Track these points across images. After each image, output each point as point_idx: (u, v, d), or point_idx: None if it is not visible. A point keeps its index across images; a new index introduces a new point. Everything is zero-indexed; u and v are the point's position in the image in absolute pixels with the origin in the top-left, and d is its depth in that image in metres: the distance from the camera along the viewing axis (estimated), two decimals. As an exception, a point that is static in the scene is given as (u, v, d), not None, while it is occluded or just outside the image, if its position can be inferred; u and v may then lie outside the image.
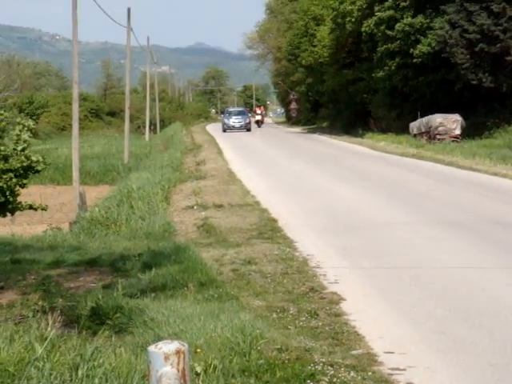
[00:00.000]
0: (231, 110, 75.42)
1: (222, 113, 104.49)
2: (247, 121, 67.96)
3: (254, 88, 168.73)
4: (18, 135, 10.12)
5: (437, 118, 37.31)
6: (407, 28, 41.23)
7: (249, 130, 66.34)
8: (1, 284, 10.91)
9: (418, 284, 10.80)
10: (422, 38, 40.55)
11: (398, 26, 41.72)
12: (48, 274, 11.66)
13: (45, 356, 6.25)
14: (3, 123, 10.14)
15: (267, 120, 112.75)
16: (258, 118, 79.10)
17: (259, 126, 75.65)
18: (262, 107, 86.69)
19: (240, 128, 66.32)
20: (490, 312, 9.25)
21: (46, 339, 6.51)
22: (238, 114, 70.12)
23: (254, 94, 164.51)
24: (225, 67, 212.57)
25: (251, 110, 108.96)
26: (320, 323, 8.94)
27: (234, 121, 67.61)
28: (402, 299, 10.01)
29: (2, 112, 10.19)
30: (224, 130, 66.09)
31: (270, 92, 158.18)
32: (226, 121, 68.21)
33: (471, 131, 37.28)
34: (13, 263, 12.74)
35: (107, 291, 9.70)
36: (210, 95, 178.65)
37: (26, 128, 10.21)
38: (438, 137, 36.85)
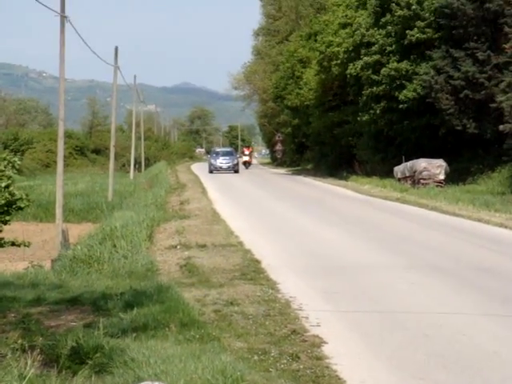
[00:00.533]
0: (218, 150, 72.49)
1: (208, 152, 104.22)
2: (235, 162, 64.50)
3: (240, 128, 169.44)
4: (2, 171, 10.12)
5: (421, 163, 37.53)
6: (393, 73, 41.61)
7: (236, 171, 62.91)
8: (-20, 321, 10.81)
9: (399, 328, 10.80)
10: (407, 83, 40.93)
11: (383, 71, 42.11)
12: (28, 312, 11.57)
13: (23, 395, 6.18)
14: (-14, 161, 10.14)
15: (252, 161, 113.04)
16: (246, 158, 75.89)
17: (246, 168, 72.47)
18: (250, 148, 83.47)
19: (227, 169, 62.92)
20: (471, 358, 9.25)
21: (24, 378, 6.45)
22: (226, 154, 66.48)
23: (240, 135, 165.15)
24: (211, 107, 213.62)
25: (237, 151, 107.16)
26: (301, 366, 8.92)
27: (222, 162, 64.11)
28: (383, 343, 10.00)
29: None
30: (210, 171, 62.74)
31: (256, 133, 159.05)
32: (212, 161, 64.66)
33: (455, 176, 37.51)
34: (-7, 300, 12.62)
35: (88, 330, 9.64)
36: (195, 135, 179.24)
37: (11, 164, 10.20)
38: (422, 181, 37.04)
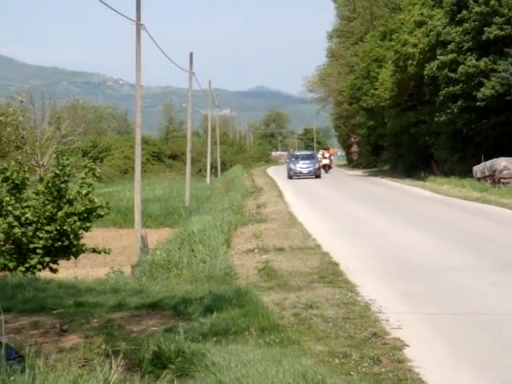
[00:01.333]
0: (298, 153, 65.04)
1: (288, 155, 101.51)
2: (316, 166, 59.29)
3: (315, 131, 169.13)
4: (83, 178, 10.28)
5: (501, 162, 36.88)
6: (470, 70, 40.96)
7: (318, 176, 57.91)
8: (65, 327, 11.00)
9: (483, 331, 10.60)
10: (485, 80, 40.24)
11: (461, 69, 41.50)
12: (110, 318, 11.72)
13: (108, 400, 6.25)
14: (69, 168, 10.31)
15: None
16: (326, 162, 69.69)
17: (326, 172, 67.18)
18: (329, 150, 77.57)
19: (308, 174, 57.87)
20: (559, 360, 9.02)
21: (109, 383, 6.52)
22: (307, 158, 60.86)
23: (315, 137, 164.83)
24: (286, 110, 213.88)
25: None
26: (383, 369, 8.82)
27: (302, 166, 58.58)
28: (467, 346, 9.82)
29: (69, 157, 10.37)
30: (290, 177, 57.58)
31: (331, 135, 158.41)
32: (291, 166, 58.91)
33: (536, 174, 36.71)
34: (76, 306, 12.83)
35: (169, 335, 9.70)
36: (270, 138, 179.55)
37: (91, 172, 10.36)
38: (502, 180, 36.40)
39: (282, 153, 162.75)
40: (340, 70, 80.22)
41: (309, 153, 66.46)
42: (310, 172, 57.99)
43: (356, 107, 66.35)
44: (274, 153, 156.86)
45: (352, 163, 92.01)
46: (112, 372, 6.86)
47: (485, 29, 40.12)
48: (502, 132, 41.45)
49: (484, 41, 40.58)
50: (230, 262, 18.06)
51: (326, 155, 71.30)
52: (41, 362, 7.29)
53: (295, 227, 24.80)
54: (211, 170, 72.56)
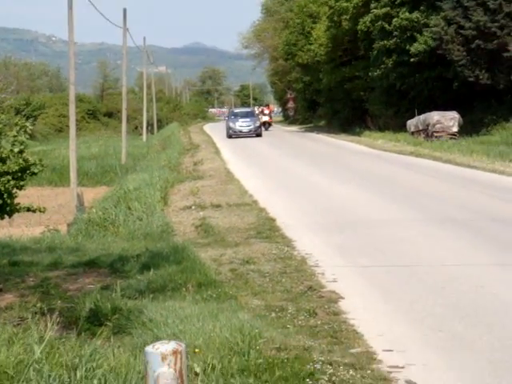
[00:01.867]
0: (237, 111, 61.83)
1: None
2: (257, 124, 55.65)
3: (251, 87, 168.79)
4: (15, 136, 10.12)
5: (434, 116, 37.33)
6: (404, 23, 41.22)
7: (259, 135, 54.49)
8: (-1, 286, 10.91)
9: (416, 281, 10.81)
10: (418, 35, 40.55)
11: (394, 21, 41.75)
12: (46, 276, 11.66)
13: (43, 358, 6.25)
14: (0, 126, 10.14)
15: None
16: (266, 119, 65.75)
17: (266, 129, 63.14)
18: (270, 106, 73.81)
19: (249, 133, 54.24)
20: (489, 309, 9.26)
21: (44, 341, 6.51)
22: (246, 115, 57.14)
23: (252, 94, 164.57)
24: (222, 67, 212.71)
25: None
26: (319, 322, 8.95)
27: (242, 124, 54.87)
28: (401, 297, 10.02)
29: (1, 115, 10.19)
30: (229, 136, 54.43)
31: (267, 91, 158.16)
32: (231, 124, 55.37)
33: (469, 128, 37.29)
34: (11, 265, 12.73)
35: (106, 292, 9.70)
36: (207, 95, 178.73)
37: (23, 129, 10.21)
38: (435, 134, 36.87)
39: (220, 109, 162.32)
40: (275, 26, 80.00)
41: (248, 110, 63.05)
42: (250, 131, 54.40)
43: (291, 63, 66.33)
44: (211, 110, 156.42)
45: (288, 119, 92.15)
46: (47, 330, 6.84)
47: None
48: (434, 86, 41.90)
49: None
50: (167, 219, 18.04)
51: (266, 112, 68.20)
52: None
53: (232, 184, 24.85)
54: (147, 127, 72.02)
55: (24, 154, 10.16)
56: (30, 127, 10.37)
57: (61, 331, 8.04)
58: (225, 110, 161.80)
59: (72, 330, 8.24)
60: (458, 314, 9.09)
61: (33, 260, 13.21)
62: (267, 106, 72.57)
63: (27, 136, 10.21)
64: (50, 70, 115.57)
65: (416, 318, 9.04)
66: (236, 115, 57.38)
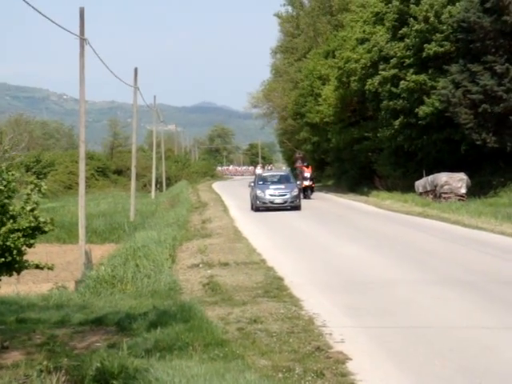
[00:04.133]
0: (267, 174, 45.72)
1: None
2: (294, 192, 39.89)
3: (260, 146, 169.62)
4: (28, 195, 10.20)
5: (442, 177, 37.42)
6: (411, 85, 41.57)
7: (297, 208, 39.34)
8: (6, 344, 10.88)
9: (425, 344, 10.75)
10: (425, 98, 40.86)
11: (402, 84, 42.11)
12: (53, 334, 11.63)
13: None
14: (13, 184, 10.22)
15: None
16: (306, 183, 48.80)
17: (307, 197, 47.52)
18: (309, 167, 51.08)
19: (283, 205, 39.25)
20: (498, 372, 9.19)
21: (50, 399, 6.49)
22: (280, 181, 41.83)
23: (260, 152, 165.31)
24: (230, 125, 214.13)
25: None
26: (326, 383, 8.89)
27: (273, 193, 39.74)
28: (409, 359, 9.96)
29: (14, 172, 10.28)
30: (256, 209, 39.52)
31: (276, 150, 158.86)
32: (258, 193, 39.93)
33: (477, 190, 37.35)
34: (18, 323, 12.71)
35: (113, 351, 9.67)
36: (215, 153, 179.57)
37: (37, 188, 10.29)
38: (443, 195, 36.91)
39: (229, 167, 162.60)
40: (284, 86, 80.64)
41: (282, 173, 46.10)
42: (285, 202, 39.25)
43: (300, 123, 66.74)
44: (219, 168, 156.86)
45: (296, 178, 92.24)
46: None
47: (425, 45, 40.80)
48: (442, 148, 42.07)
49: (424, 57, 41.24)
50: (174, 277, 18.03)
51: (307, 174, 49.36)
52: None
53: (240, 242, 24.85)
54: (156, 185, 72.30)
55: (35, 212, 10.22)
56: (45, 186, 10.45)
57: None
58: (231, 167, 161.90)
59: (78, 388, 8.20)
60: (466, 376, 9.02)
61: (40, 317, 13.19)
62: (307, 166, 50.91)
63: (40, 195, 10.29)
64: (63, 129, 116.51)
65: (424, 380, 8.97)
66: (265, 180, 41.84)
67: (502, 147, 37.10)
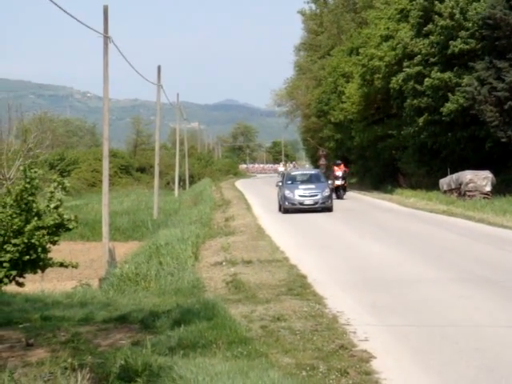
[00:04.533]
0: (296, 173, 42.55)
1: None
2: (326, 193, 37.01)
3: (283, 144, 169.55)
4: (51, 192, 10.24)
5: (467, 175, 37.22)
6: (436, 82, 41.34)
7: (329, 209, 36.61)
8: (31, 341, 10.93)
9: (449, 342, 10.68)
10: (450, 95, 40.63)
11: (426, 81, 41.89)
12: (78, 331, 11.67)
13: (74, 414, 6.23)
14: (37, 181, 10.27)
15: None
16: (339, 182, 45.48)
17: (340, 197, 44.73)
18: (342, 165, 47.45)
19: (313, 206, 36.55)
20: (523, 371, 9.11)
21: (75, 396, 6.50)
22: (310, 180, 39.20)
23: (283, 150, 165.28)
24: (253, 123, 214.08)
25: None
26: (350, 382, 8.86)
27: (303, 193, 37.04)
28: (433, 358, 9.90)
29: (37, 170, 10.33)
30: (285, 210, 36.67)
31: (299, 148, 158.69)
32: (287, 193, 37.16)
33: (502, 188, 37.11)
34: (43, 320, 12.76)
35: (136, 348, 9.69)
36: (238, 151, 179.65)
37: (60, 186, 10.33)
38: (468, 193, 36.71)
39: (253, 165, 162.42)
40: (307, 84, 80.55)
41: (313, 172, 42.66)
42: (315, 203, 36.50)
43: (324, 120, 66.63)
44: (242, 165, 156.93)
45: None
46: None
47: (450, 42, 40.56)
48: (467, 146, 41.84)
49: (449, 54, 41.00)
50: (197, 274, 18.04)
51: (339, 173, 45.90)
52: (6, 377, 7.25)
53: (263, 240, 24.84)
54: (179, 183, 72.42)
55: (59, 210, 10.26)
56: (68, 184, 10.49)
57: (91, 387, 8.03)
58: (255, 165, 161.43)
59: (102, 385, 8.22)
60: (491, 376, 8.96)
61: (64, 315, 13.24)
62: (339, 164, 47.56)
63: (64, 193, 10.33)
64: (86, 126, 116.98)
65: (449, 380, 8.92)
66: (294, 180, 39.17)
67: (527, 145, 36.83)
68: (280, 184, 39.02)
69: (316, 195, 36.64)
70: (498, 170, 38.64)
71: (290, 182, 38.42)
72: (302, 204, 36.53)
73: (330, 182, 40.48)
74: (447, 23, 40.92)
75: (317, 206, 36.27)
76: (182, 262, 19.74)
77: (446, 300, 13.85)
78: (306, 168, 58.18)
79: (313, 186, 37.32)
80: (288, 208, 36.45)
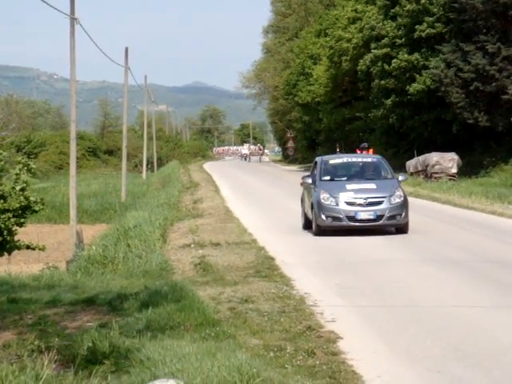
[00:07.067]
0: (337, 161, 23.88)
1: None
2: (397, 198, 21.17)
3: (252, 126, 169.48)
4: (17, 175, 10.17)
5: (433, 157, 37.47)
6: (403, 64, 41.53)
7: (402, 228, 21.11)
8: (-3, 323, 10.87)
9: (415, 322, 10.78)
10: (417, 76, 40.83)
11: (394, 63, 42.05)
12: (45, 314, 11.63)
13: (41, 396, 6.22)
14: (2, 163, 10.19)
15: (264, 158, 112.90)
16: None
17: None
18: (370, 149, 38.46)
19: (375, 222, 20.81)
20: (487, 351, 9.23)
21: (41, 379, 6.49)
22: (362, 173, 23.08)
23: (252, 133, 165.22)
24: (222, 106, 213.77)
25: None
26: (317, 362, 8.91)
27: (354, 199, 21.02)
28: (400, 338, 9.99)
29: (1, 151, 10.24)
30: (320, 231, 21.00)
31: (268, 130, 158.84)
32: (324, 198, 21.10)
33: (468, 170, 37.44)
34: (9, 303, 12.69)
35: (104, 330, 9.67)
36: (207, 134, 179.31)
37: (26, 168, 10.25)
38: (434, 175, 36.98)
39: (224, 148, 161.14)
40: (276, 66, 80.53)
41: (369, 160, 24.67)
42: (379, 216, 20.81)
43: (292, 103, 66.69)
44: (215, 149, 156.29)
45: (288, 159, 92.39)
46: (44, 368, 6.82)
47: (416, 27, 40.73)
48: (434, 128, 42.12)
49: (416, 37, 41.19)
50: (166, 257, 18.03)
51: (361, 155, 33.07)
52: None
53: (231, 222, 24.85)
54: (147, 165, 72.19)
55: (26, 192, 10.19)
56: (34, 166, 10.42)
57: (58, 369, 8.01)
58: (230, 148, 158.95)
59: (69, 368, 8.20)
60: (456, 355, 9.06)
61: (31, 297, 13.18)
62: (367, 147, 37.86)
63: (30, 174, 10.26)
64: (52, 108, 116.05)
65: (414, 359, 9.01)
66: (335, 173, 22.86)
67: (493, 126, 37.16)
68: (309, 181, 22.35)
69: (378, 202, 20.91)
70: (464, 152, 38.97)
71: (327, 178, 22.22)
72: (352, 219, 20.75)
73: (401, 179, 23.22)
74: (413, 7, 41.08)
75: (381, 222, 20.71)
76: (150, 244, 19.72)
77: (413, 280, 13.98)
78: (360, 155, 31.86)
79: (372, 186, 21.61)
80: (327, 226, 20.88)
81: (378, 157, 24.93)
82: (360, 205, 20.79)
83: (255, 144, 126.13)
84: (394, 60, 41.93)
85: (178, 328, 10.14)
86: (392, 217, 20.71)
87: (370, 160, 24.31)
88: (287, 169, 71.20)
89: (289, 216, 26.42)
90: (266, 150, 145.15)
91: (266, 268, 15.73)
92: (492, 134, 38.47)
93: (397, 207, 20.86)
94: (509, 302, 12.02)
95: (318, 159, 23.61)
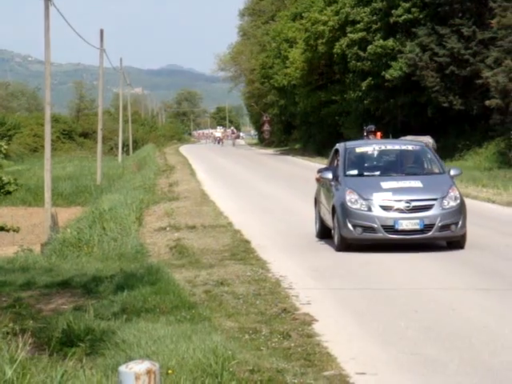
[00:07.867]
0: (365, 148, 17.70)
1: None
2: (451, 200, 15.63)
3: (227, 109, 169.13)
4: (-12, 156, 10.11)
5: (408, 140, 37.54)
6: (379, 50, 41.57)
7: (459, 242, 15.55)
8: (-29, 306, 10.82)
9: (390, 305, 10.86)
10: (393, 62, 40.91)
11: (369, 49, 42.09)
12: (19, 296, 11.59)
13: (15, 378, 6.21)
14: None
15: (240, 141, 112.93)
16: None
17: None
18: (378, 133, 28.56)
19: (422, 233, 15.17)
20: (461, 333, 9.31)
21: (16, 362, 6.47)
22: (401, 165, 17.13)
23: (228, 116, 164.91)
24: (198, 89, 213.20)
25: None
26: (292, 344, 8.95)
27: (394, 201, 15.36)
28: (374, 320, 10.05)
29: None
30: (346, 245, 15.40)
31: (244, 114, 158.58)
32: (351, 200, 15.48)
33: (442, 153, 37.44)
34: (-17, 285, 12.64)
35: (79, 313, 9.66)
36: (183, 117, 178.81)
37: (-3, 149, 10.21)
38: (409, 158, 37.06)
39: (203, 131, 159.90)
40: (252, 49, 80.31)
41: (410, 148, 17.93)
42: (429, 226, 15.19)
43: (268, 86, 66.57)
44: (195, 132, 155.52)
45: (264, 142, 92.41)
46: (19, 350, 6.80)
47: (392, 11, 40.75)
48: (409, 112, 42.28)
49: (392, 22, 41.23)
50: (141, 240, 18.01)
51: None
52: None
53: (207, 205, 24.84)
54: (123, 148, 71.88)
55: (-2, 173, 10.14)
56: (5, 147, 10.36)
57: (33, 352, 8.00)
58: (210, 131, 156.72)
59: (44, 350, 8.19)
60: (430, 337, 9.13)
61: (5, 280, 13.13)
62: (374, 131, 28.50)
63: (2, 155, 10.19)
64: (27, 90, 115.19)
65: (389, 340, 9.07)
66: (362, 166, 17.06)
67: (468, 110, 37.34)
68: (329, 176, 16.71)
69: (427, 207, 15.57)
70: (439, 135, 39.08)
71: (355, 173, 16.80)
72: (391, 230, 15.34)
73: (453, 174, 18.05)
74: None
75: (430, 234, 15.36)
76: (126, 227, 19.66)
77: (388, 263, 14.06)
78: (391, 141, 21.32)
79: (417, 184, 16.18)
80: (355, 239, 15.60)
81: (422, 144, 18.96)
82: (401, 210, 15.36)
83: (230, 127, 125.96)
84: (370, 46, 41.97)
85: (153, 311, 10.15)
86: (445, 226, 15.35)
87: (411, 148, 17.97)
88: (263, 152, 71.21)
89: (263, 199, 26.47)
90: (241, 134, 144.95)
91: (242, 251, 15.75)
92: (466, 118, 38.69)
93: (452, 213, 15.51)
94: (481, 283, 12.13)
95: (339, 146, 17.53)
